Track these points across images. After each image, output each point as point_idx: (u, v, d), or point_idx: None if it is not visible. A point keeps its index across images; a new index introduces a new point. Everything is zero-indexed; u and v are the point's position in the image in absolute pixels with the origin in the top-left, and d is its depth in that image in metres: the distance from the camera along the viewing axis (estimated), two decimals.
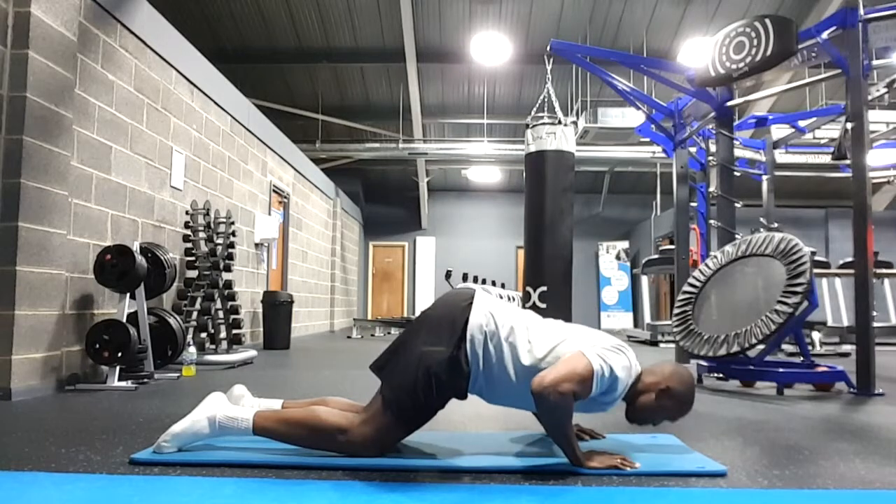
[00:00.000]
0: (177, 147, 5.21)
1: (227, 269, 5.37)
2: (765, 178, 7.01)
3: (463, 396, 1.98)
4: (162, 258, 4.36)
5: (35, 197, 3.35)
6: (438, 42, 10.13)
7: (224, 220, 5.55)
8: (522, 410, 2.11)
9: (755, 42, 4.31)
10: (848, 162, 4.19)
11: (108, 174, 4.21)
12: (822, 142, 9.65)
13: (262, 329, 7.22)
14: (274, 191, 8.14)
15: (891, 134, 6.72)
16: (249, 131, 7.10)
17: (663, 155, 9.73)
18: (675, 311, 4.31)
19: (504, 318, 1.97)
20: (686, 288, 4.35)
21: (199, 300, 5.11)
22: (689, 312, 4.21)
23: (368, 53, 10.40)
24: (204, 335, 5.29)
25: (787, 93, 7.79)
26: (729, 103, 5.18)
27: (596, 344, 1.89)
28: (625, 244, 14.65)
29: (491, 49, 9.80)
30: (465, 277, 9.81)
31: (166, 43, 5.02)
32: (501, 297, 9.82)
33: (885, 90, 5.09)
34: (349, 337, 9.82)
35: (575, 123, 9.93)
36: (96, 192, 4.07)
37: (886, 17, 4.06)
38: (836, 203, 12.68)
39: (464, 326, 1.93)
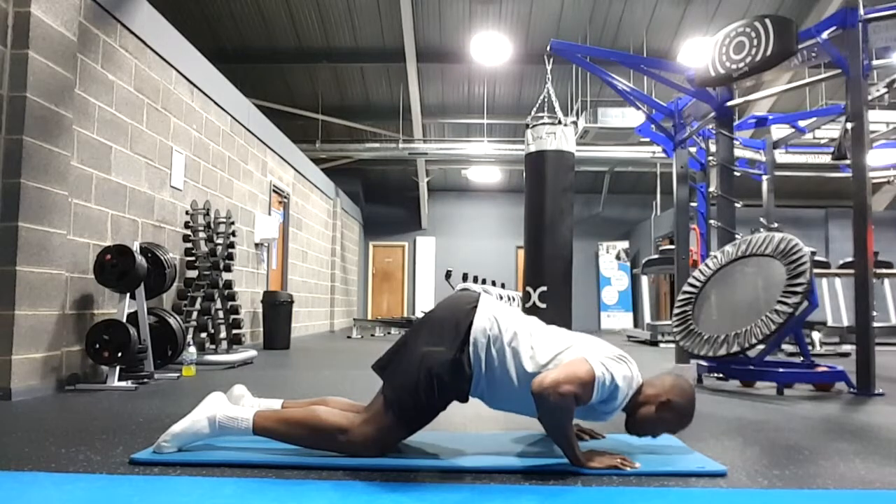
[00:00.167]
0: (177, 147, 5.21)
1: (227, 269, 5.37)
2: (765, 178, 7.01)
3: (464, 399, 1.98)
4: (162, 258, 4.36)
5: (35, 197, 3.35)
6: (438, 42, 10.13)
7: (224, 220, 5.55)
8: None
9: (755, 42, 4.31)
10: (848, 162, 4.19)
11: (108, 174, 4.21)
12: (822, 142, 9.65)
13: (262, 329, 7.22)
14: (274, 191, 8.14)
15: (891, 134, 6.72)
16: (249, 131, 7.10)
17: (663, 155, 9.74)
18: (675, 311, 4.31)
19: (508, 323, 1.97)
20: (686, 288, 4.35)
21: (199, 300, 5.12)
22: (689, 312, 4.21)
23: (368, 53, 10.40)
24: (204, 335, 5.29)
25: (787, 93, 7.79)
26: (729, 103, 5.18)
27: (599, 352, 1.89)
28: (625, 244, 14.65)
29: (491, 49, 9.80)
30: (465, 277, 9.81)
31: (166, 43, 5.02)
32: (501, 298, 9.82)
33: (885, 90, 5.09)
34: (349, 337, 9.82)
35: (575, 123, 9.93)
36: (96, 192, 4.07)
37: (886, 17, 4.06)
38: (836, 203, 12.68)
39: (467, 329, 1.93)
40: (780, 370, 3.80)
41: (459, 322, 1.94)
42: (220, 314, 5.49)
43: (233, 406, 1.98)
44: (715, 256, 4.35)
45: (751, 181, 7.50)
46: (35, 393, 3.33)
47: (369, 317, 14.75)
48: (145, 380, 3.92)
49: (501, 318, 1.98)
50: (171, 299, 5.10)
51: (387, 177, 14.77)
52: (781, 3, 9.01)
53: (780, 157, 10.29)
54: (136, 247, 4.00)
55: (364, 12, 9.42)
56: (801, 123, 6.60)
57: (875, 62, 4.32)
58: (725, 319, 3.95)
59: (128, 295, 3.88)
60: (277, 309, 7.09)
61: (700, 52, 4.96)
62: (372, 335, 10.42)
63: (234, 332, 5.49)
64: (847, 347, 7.32)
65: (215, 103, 6.06)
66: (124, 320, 3.76)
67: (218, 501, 1.52)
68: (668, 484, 1.73)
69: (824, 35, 4.16)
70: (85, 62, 3.94)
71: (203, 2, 9.18)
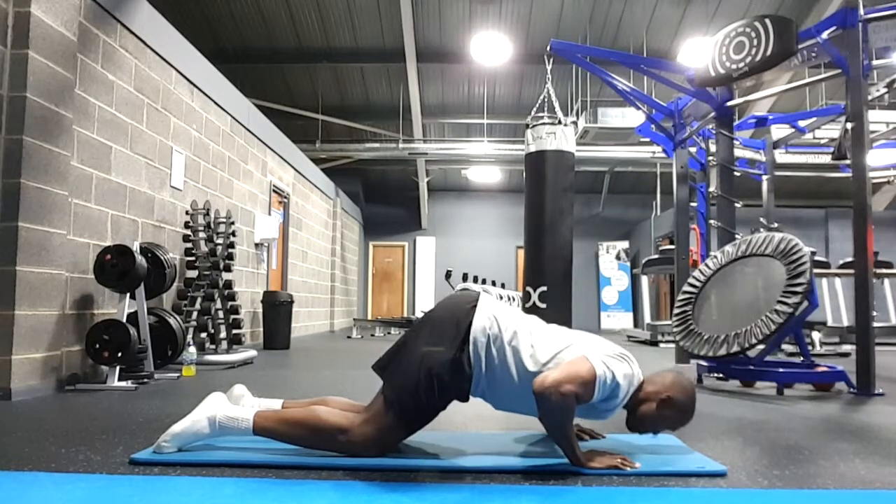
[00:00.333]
0: (177, 147, 5.21)
1: (227, 269, 5.37)
2: (765, 178, 7.01)
3: (465, 399, 1.98)
4: (162, 258, 4.36)
5: (35, 197, 3.35)
6: (438, 42, 10.13)
7: (224, 220, 5.55)
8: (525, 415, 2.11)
9: (755, 42, 4.31)
10: (848, 162, 4.19)
11: (108, 174, 4.21)
12: (822, 142, 9.65)
13: (262, 329, 7.22)
14: (274, 191, 8.14)
15: (891, 134, 6.72)
16: (249, 131, 7.10)
17: (663, 155, 9.74)
18: (675, 311, 4.31)
19: (507, 322, 1.97)
20: (686, 288, 4.35)
21: (199, 300, 5.11)
22: (689, 312, 4.21)
23: (368, 53, 10.40)
24: (204, 335, 5.29)
25: (787, 93, 7.79)
26: (729, 103, 5.18)
27: (600, 350, 1.89)
28: (625, 244, 14.65)
29: (491, 49, 9.80)
30: (465, 277, 9.81)
31: (166, 43, 5.02)
32: (501, 298, 9.82)
33: (885, 90, 5.09)
34: (349, 337, 9.82)
35: (575, 123, 9.93)
36: (96, 192, 4.07)
37: (886, 17, 4.06)
38: (836, 203, 12.69)
39: (467, 329, 1.93)
40: (780, 370, 3.80)
41: (459, 321, 1.94)
42: (220, 314, 5.49)
43: (233, 406, 1.98)
44: (715, 256, 4.35)
45: (751, 181, 7.50)
46: (35, 393, 3.33)
47: (369, 317, 14.75)
48: (145, 380, 3.92)
49: (501, 318, 1.98)
50: (171, 299, 5.10)
51: (387, 177, 14.77)
52: (781, 3, 9.02)
53: (780, 157, 10.29)
54: (136, 247, 3.99)
55: (364, 12, 9.42)
56: (801, 123, 6.60)
57: (875, 62, 4.33)
58: (725, 319, 3.95)
59: (128, 295, 3.88)
60: (277, 309, 7.09)
61: (700, 52, 4.96)
62: (372, 335, 10.42)
63: (234, 332, 5.49)
64: (847, 347, 7.32)
65: (215, 103, 6.06)
66: (124, 320, 3.76)
67: (218, 501, 1.52)
68: (668, 484, 1.73)
69: (824, 35, 4.16)
70: (85, 62, 3.94)
71: (203, 2, 9.18)
